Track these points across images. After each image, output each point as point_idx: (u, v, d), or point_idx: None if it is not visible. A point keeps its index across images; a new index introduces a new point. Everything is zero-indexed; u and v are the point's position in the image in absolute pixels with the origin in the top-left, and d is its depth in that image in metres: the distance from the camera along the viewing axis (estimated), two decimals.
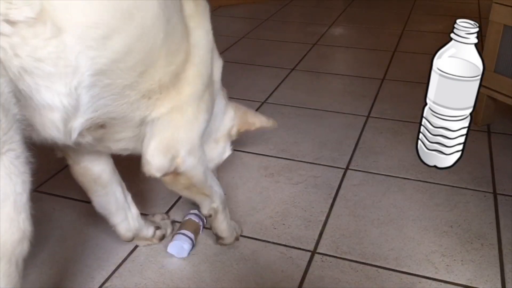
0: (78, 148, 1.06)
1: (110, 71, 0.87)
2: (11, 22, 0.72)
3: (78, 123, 0.90)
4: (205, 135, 1.22)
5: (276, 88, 2.40)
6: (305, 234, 1.45)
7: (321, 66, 2.72)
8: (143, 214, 1.44)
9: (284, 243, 1.42)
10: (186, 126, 1.11)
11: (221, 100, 1.34)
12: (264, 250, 1.40)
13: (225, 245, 1.40)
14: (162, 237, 1.43)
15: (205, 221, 1.45)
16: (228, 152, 1.43)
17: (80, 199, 1.61)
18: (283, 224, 1.50)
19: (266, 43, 3.04)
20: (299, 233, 1.46)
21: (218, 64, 1.25)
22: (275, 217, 1.53)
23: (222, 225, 1.35)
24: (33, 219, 1.49)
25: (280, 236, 1.45)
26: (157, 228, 1.42)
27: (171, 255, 1.37)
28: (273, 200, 1.61)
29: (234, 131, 1.41)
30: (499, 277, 1.30)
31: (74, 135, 0.92)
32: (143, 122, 1.04)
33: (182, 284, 1.28)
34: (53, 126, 0.87)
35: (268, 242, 1.43)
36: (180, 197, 1.60)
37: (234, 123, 1.40)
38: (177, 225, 1.47)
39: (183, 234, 1.38)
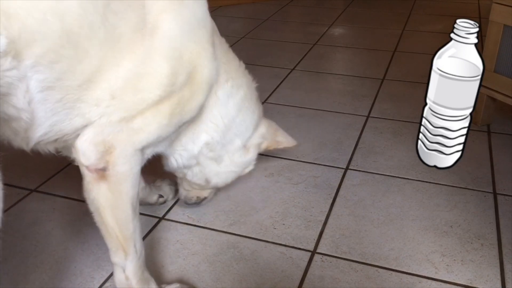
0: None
1: (59, 88, 0.94)
2: None
3: (35, 134, 0.99)
4: (159, 147, 1.18)
5: (276, 88, 2.40)
6: (305, 234, 1.45)
7: (321, 66, 2.72)
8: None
9: (284, 243, 1.42)
10: (133, 127, 1.04)
11: (255, 112, 1.42)
12: (264, 250, 1.40)
13: None
14: (164, 203, 1.57)
15: None
16: (252, 165, 1.49)
17: (80, 199, 1.61)
18: (283, 224, 1.50)
19: (266, 43, 3.04)
20: (299, 233, 1.46)
21: (211, 67, 1.16)
22: (275, 217, 1.53)
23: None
24: (33, 219, 1.50)
25: (280, 236, 1.45)
26: (161, 196, 1.55)
27: (171, 255, 1.37)
28: (273, 200, 1.61)
29: (263, 146, 1.49)
30: (499, 277, 1.30)
31: (31, 144, 1.01)
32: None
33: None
34: (13, 134, 0.99)
35: (268, 242, 1.43)
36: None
37: (265, 140, 1.48)
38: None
39: None
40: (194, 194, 1.52)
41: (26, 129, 0.97)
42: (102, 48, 0.95)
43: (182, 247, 1.41)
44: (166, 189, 1.59)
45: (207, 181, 1.44)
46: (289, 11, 3.76)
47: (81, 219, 1.53)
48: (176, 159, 1.35)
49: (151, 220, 1.52)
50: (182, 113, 1.13)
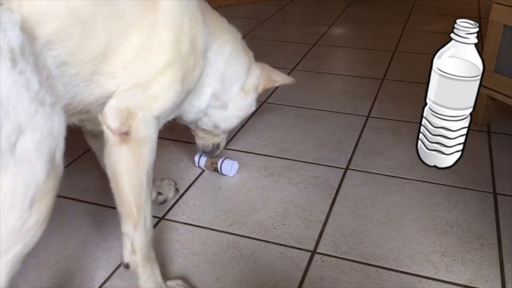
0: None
1: (73, 63, 1.03)
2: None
3: None
4: (176, 111, 1.34)
5: (276, 88, 2.40)
6: (305, 234, 1.45)
7: (321, 66, 2.72)
8: None
9: (284, 243, 1.42)
10: (151, 94, 1.15)
11: (244, 60, 1.55)
12: (264, 250, 1.40)
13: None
14: (164, 202, 1.59)
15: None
16: (254, 106, 1.62)
17: (80, 199, 1.61)
18: (283, 224, 1.50)
19: (266, 43, 3.04)
20: (299, 233, 1.46)
21: (205, 33, 1.29)
22: (275, 217, 1.53)
23: (146, 285, 1.20)
24: None
25: (280, 236, 1.45)
26: (159, 193, 1.58)
27: (171, 255, 1.38)
28: (273, 200, 1.61)
29: (260, 88, 1.62)
30: (499, 277, 1.30)
31: None
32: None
33: None
34: None
35: (268, 242, 1.43)
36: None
37: (261, 81, 1.61)
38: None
39: (227, 158, 1.73)
40: (209, 141, 1.65)
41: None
42: (107, 23, 1.05)
43: (182, 247, 1.41)
44: (165, 188, 1.60)
45: (216, 127, 1.57)
46: (289, 11, 3.77)
47: (81, 219, 1.53)
48: (187, 116, 1.50)
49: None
50: (190, 80, 1.25)
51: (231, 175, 1.72)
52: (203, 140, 1.66)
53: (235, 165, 1.73)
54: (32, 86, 0.87)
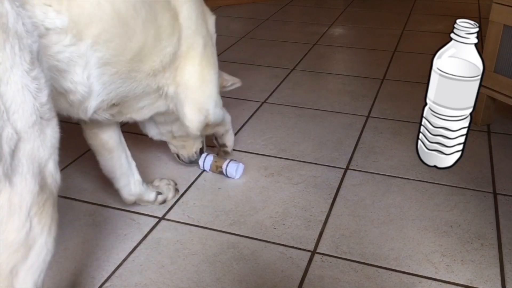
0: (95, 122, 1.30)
1: (114, 63, 1.12)
2: (46, 28, 0.95)
3: (92, 104, 1.15)
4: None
5: (276, 88, 2.40)
6: (305, 234, 1.45)
7: (321, 66, 2.72)
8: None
9: (284, 243, 1.42)
10: (201, 87, 1.39)
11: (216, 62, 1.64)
12: (264, 250, 1.40)
13: (227, 152, 1.79)
14: (163, 202, 1.59)
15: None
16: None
17: (80, 199, 1.61)
18: (283, 224, 1.50)
19: (266, 43, 3.04)
20: (299, 233, 1.46)
21: (211, 20, 1.53)
22: (275, 217, 1.53)
23: (231, 138, 1.77)
24: None
25: (280, 236, 1.45)
26: (159, 193, 1.58)
27: (171, 255, 1.38)
28: (273, 200, 1.61)
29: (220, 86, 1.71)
30: (499, 277, 1.30)
31: (89, 113, 1.18)
32: (158, 90, 1.32)
33: (182, 284, 1.28)
34: (70, 106, 1.13)
35: (268, 242, 1.43)
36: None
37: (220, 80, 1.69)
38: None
39: (232, 160, 1.74)
40: (191, 150, 1.70)
41: (81, 101, 1.12)
42: (145, 25, 1.15)
43: (182, 247, 1.41)
44: (164, 188, 1.61)
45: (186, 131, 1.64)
46: (289, 11, 3.77)
47: (81, 219, 1.53)
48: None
49: (151, 220, 1.52)
50: (215, 64, 1.48)
51: (237, 177, 1.71)
52: (185, 151, 1.69)
53: (241, 167, 1.72)
54: (41, 97, 0.85)
